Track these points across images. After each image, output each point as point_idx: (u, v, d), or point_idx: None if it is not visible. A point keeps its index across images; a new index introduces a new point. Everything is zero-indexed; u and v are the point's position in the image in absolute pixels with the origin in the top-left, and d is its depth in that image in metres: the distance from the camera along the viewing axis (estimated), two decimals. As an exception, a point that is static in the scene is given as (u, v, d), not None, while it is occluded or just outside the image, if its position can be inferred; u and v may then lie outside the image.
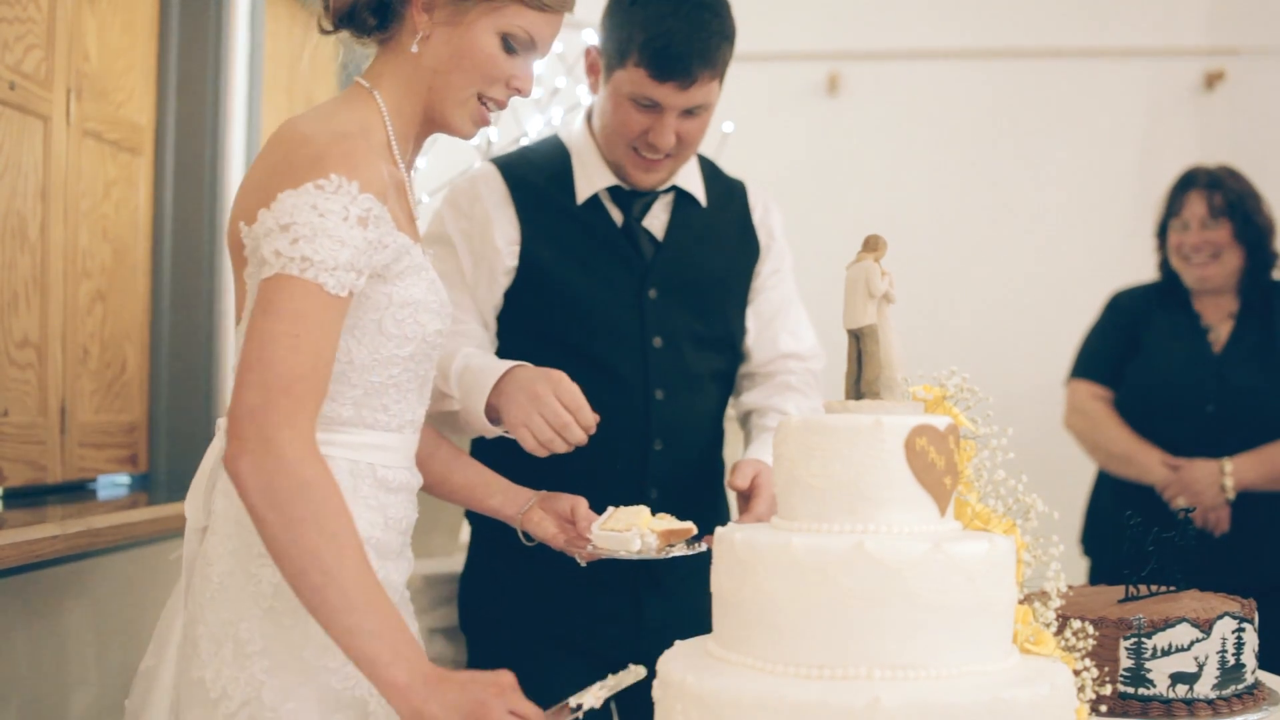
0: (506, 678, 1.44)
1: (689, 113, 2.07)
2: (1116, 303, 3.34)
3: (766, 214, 2.31)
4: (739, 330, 2.26)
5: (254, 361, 1.46)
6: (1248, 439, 3.05)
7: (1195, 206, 3.15)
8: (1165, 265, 3.26)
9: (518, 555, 2.01)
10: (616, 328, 2.13)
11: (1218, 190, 3.15)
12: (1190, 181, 3.21)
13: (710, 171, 2.30)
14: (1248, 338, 3.13)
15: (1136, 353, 3.23)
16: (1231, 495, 3.01)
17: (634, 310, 2.14)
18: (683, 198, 2.22)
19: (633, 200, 2.18)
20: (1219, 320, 3.18)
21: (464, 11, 1.62)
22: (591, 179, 2.16)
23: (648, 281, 2.16)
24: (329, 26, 1.67)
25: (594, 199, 2.16)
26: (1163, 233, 3.25)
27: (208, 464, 1.63)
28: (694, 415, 2.16)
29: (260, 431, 1.43)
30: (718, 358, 2.23)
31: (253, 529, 1.48)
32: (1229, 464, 3.02)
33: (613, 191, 2.17)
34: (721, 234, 2.25)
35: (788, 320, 2.28)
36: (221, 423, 1.61)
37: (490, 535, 2.19)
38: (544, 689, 2.17)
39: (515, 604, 2.18)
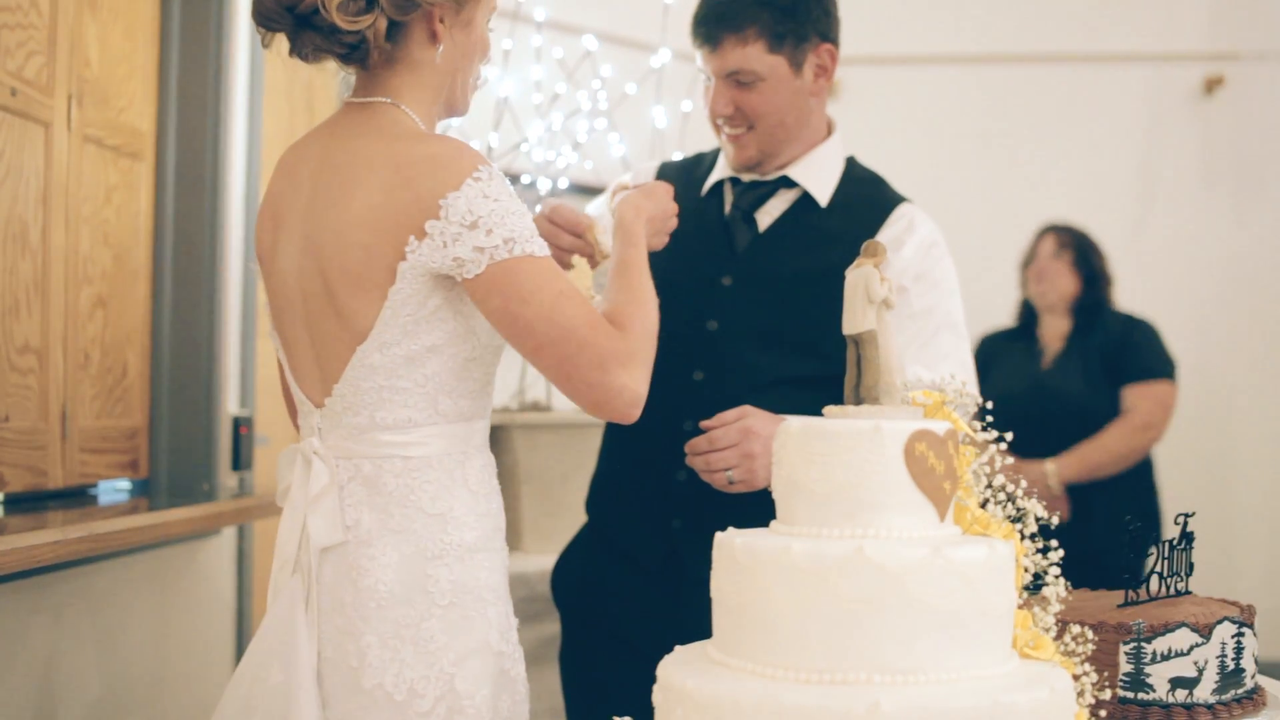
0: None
1: (740, 83, 2.14)
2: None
3: (904, 236, 2.17)
4: (829, 337, 2.03)
5: (557, 338, 1.58)
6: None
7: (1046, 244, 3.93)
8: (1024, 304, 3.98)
9: (604, 546, 2.23)
10: (680, 308, 2.09)
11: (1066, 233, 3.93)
12: (1042, 230, 4.00)
13: (855, 176, 2.25)
14: (1073, 354, 3.78)
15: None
16: (1058, 490, 3.56)
17: (701, 294, 2.16)
18: (805, 196, 2.21)
19: (748, 190, 2.23)
20: (1051, 340, 3.86)
21: (466, 9, 1.70)
22: (718, 171, 2.26)
23: (726, 269, 2.17)
24: (318, 62, 1.67)
25: (717, 189, 2.25)
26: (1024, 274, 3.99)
27: (313, 488, 1.63)
28: (739, 405, 2.02)
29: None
30: (795, 360, 2.13)
31: (421, 534, 1.62)
32: (1050, 464, 3.59)
33: (734, 182, 2.25)
34: (835, 237, 2.15)
35: (924, 352, 2.14)
36: (314, 445, 1.64)
37: (593, 524, 2.32)
38: (597, 681, 2.21)
39: (583, 597, 2.27)
